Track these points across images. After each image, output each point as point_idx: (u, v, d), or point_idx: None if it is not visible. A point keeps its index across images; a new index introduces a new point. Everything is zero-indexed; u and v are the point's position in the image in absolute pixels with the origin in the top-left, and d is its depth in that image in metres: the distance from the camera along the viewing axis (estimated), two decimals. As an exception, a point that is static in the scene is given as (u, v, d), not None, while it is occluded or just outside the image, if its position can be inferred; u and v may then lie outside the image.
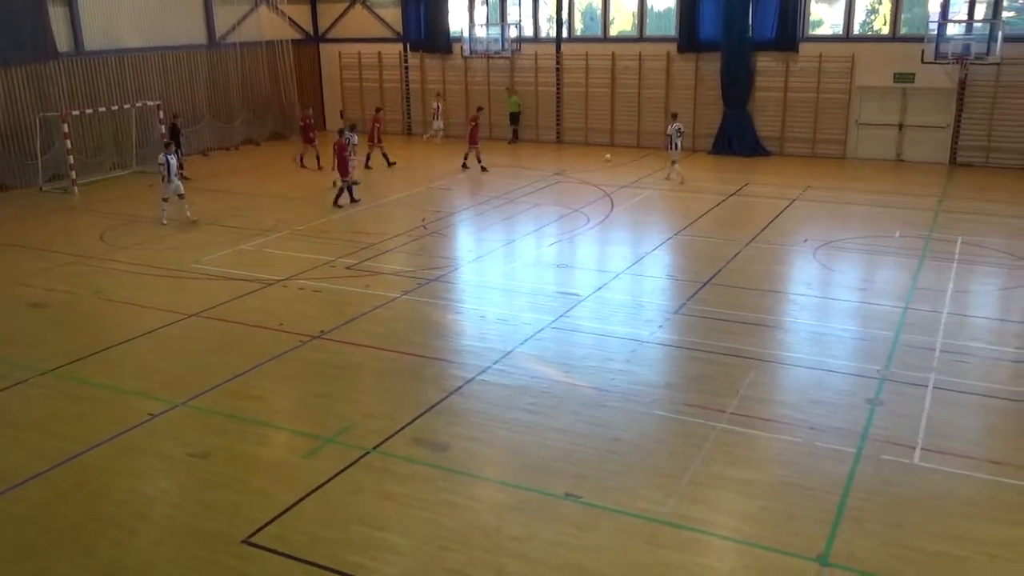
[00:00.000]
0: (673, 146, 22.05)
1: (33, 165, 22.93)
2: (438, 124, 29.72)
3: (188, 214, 18.80)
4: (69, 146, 22.38)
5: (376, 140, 25.07)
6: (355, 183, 20.63)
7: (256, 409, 9.99)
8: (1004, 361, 11.10)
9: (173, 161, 18.66)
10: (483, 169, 24.38)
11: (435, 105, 29.79)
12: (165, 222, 18.56)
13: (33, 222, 19.43)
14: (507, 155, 27.54)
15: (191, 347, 11.88)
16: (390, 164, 25.19)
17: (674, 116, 23.03)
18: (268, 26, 30.78)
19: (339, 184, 20.44)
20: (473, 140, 24.47)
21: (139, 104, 25.18)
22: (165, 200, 18.71)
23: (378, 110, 26.55)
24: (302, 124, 25.58)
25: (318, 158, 24.89)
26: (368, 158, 25.00)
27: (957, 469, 8.37)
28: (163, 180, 18.62)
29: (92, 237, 17.81)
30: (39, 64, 23.22)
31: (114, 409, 9.96)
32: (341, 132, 20.67)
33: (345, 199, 20.31)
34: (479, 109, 26.41)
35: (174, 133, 24.29)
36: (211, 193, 22.37)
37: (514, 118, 30.12)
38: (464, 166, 24.80)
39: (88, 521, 7.77)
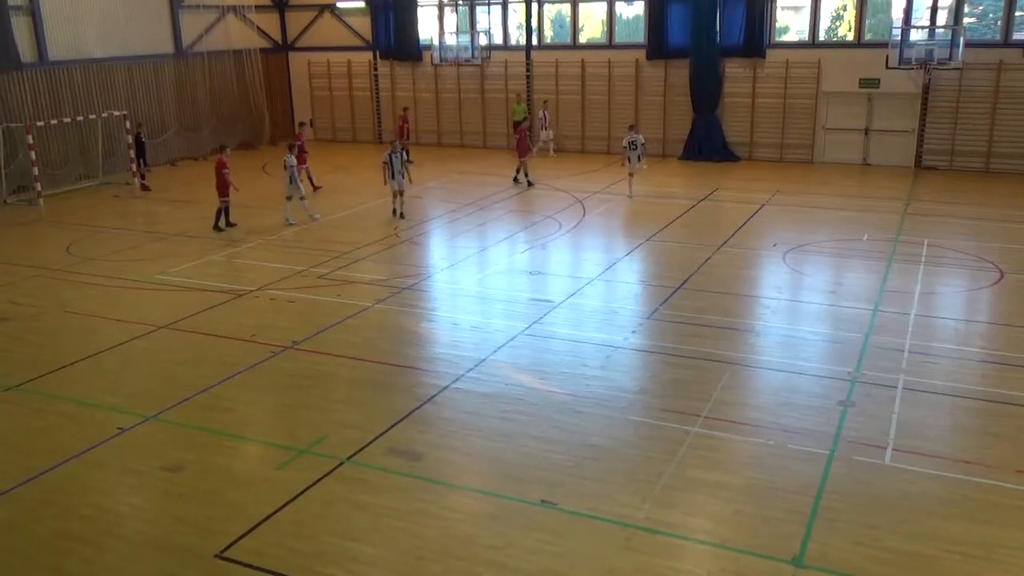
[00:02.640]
0: (628, 160, 21.19)
1: (-3, 177, 22.60)
2: (547, 135, 27.78)
3: (312, 215, 19.47)
4: (34, 157, 22.07)
5: (404, 137, 25.58)
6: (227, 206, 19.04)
7: (228, 421, 9.88)
8: (971, 361, 11.25)
9: (296, 162, 19.37)
10: (529, 184, 23.11)
11: (541, 114, 27.70)
12: (293, 221, 19.13)
13: (-3, 235, 19.14)
14: (479, 162, 27.54)
15: (161, 359, 11.73)
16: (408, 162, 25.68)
17: (631, 127, 21.97)
18: (236, 35, 30.55)
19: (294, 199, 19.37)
20: (522, 151, 23.22)
21: (105, 115, 24.88)
22: (289, 199, 19.29)
23: (405, 110, 27.02)
24: (298, 143, 22.61)
25: (311, 179, 22.87)
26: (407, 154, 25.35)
27: (928, 469, 8.47)
28: (290, 181, 19.10)
29: (58, 249, 17.54)
30: (2, 74, 22.85)
31: (82, 424, 9.80)
32: (223, 149, 19.31)
33: (225, 222, 18.93)
34: (524, 119, 24.13)
35: (138, 144, 24.02)
36: (179, 203, 22.16)
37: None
38: (516, 180, 23.43)
39: (57, 539, 7.62)
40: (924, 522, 7.58)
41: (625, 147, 21.38)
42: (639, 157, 21.41)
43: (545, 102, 28.54)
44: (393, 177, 19.43)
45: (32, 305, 14.05)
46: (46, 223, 20.35)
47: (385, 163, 19.49)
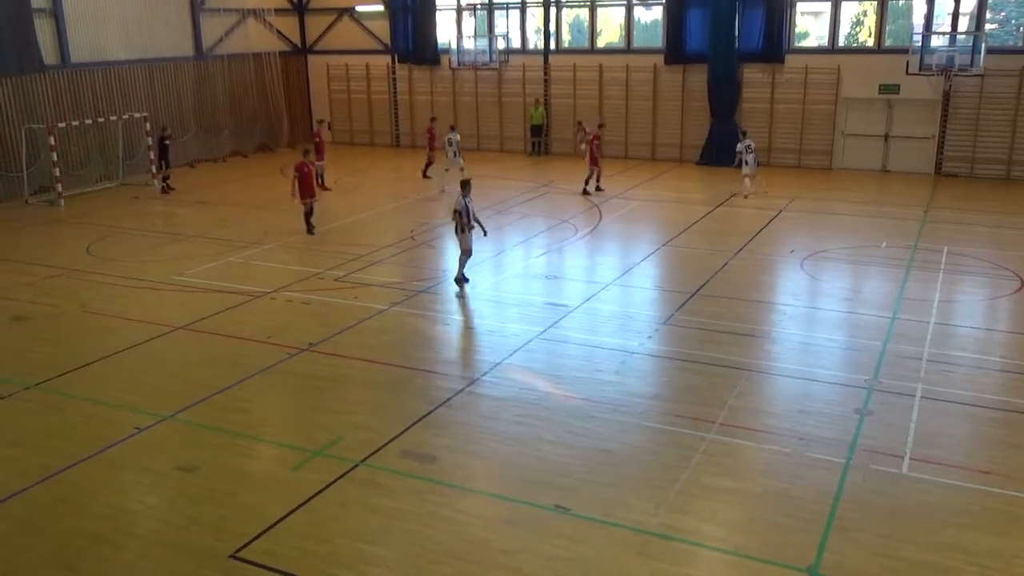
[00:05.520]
0: (743, 163, 21.73)
1: (19, 177, 22.81)
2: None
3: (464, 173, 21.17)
4: (55, 158, 22.28)
5: (431, 147, 25.64)
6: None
7: (243, 422, 9.93)
8: (990, 370, 11.15)
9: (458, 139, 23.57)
10: (597, 189, 22.62)
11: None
12: (445, 189, 22.49)
13: (18, 235, 19.31)
14: (496, 165, 27.56)
15: (177, 360, 11.80)
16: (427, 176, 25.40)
17: (743, 133, 22.75)
18: (256, 38, 30.76)
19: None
20: (594, 160, 22.35)
21: (126, 116, 25.10)
22: (447, 171, 23.28)
23: (433, 119, 26.82)
24: (317, 140, 23.56)
25: (322, 177, 23.08)
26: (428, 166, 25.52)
27: (945, 479, 8.39)
28: (452, 156, 23.34)
29: (78, 249, 17.69)
30: (25, 76, 23.11)
31: (99, 423, 9.87)
32: (306, 152, 19.17)
33: (315, 221, 18.74)
34: (600, 126, 23.60)
35: (161, 146, 24.17)
36: (198, 205, 22.30)
37: (536, 130, 29.59)
38: (586, 191, 22.54)
39: (73, 537, 7.68)
40: (941, 533, 7.51)
41: (740, 152, 21.77)
42: (753, 161, 21.80)
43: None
44: (467, 230, 14.64)
45: (51, 305, 14.18)
46: (66, 223, 20.53)
47: (458, 211, 14.60)
